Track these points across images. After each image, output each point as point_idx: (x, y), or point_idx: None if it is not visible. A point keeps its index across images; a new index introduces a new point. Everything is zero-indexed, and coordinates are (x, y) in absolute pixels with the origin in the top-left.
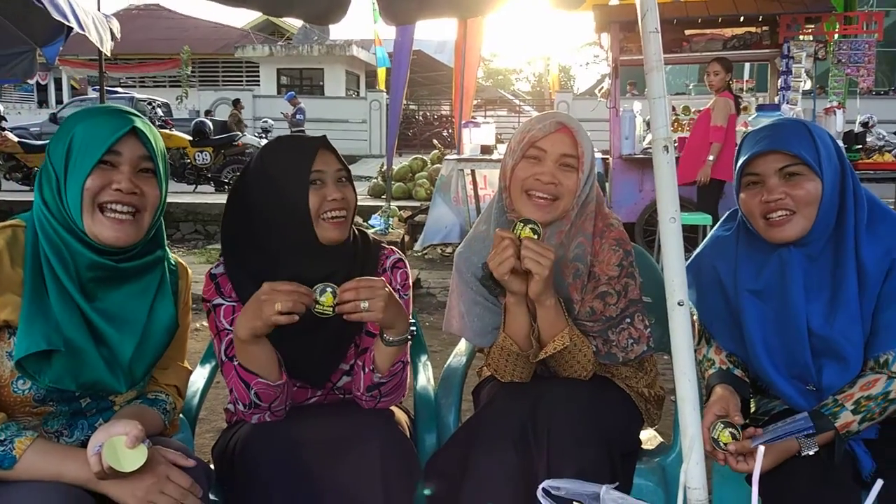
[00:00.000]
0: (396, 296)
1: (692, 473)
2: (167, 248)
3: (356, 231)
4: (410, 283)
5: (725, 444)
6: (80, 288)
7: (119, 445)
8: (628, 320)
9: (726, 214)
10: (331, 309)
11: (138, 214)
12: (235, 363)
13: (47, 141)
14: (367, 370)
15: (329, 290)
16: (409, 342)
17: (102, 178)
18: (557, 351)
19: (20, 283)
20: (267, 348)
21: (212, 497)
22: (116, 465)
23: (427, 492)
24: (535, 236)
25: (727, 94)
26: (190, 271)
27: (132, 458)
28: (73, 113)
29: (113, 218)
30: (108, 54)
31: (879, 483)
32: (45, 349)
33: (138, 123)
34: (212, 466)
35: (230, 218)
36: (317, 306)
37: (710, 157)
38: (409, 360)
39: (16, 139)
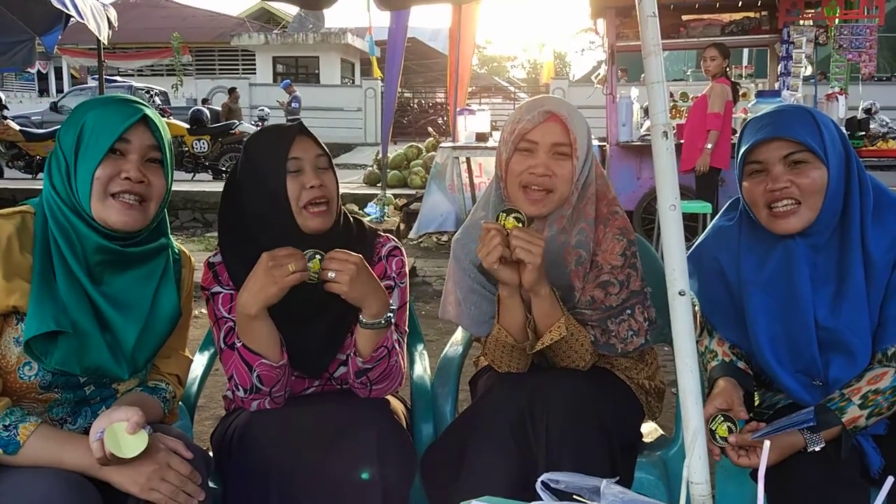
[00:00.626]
0: (391, 282)
1: (695, 468)
2: (171, 236)
3: (351, 219)
4: (406, 272)
5: (722, 438)
6: (88, 271)
7: (120, 431)
8: (629, 312)
9: (728, 203)
10: (317, 275)
11: (145, 204)
12: (239, 344)
13: (49, 129)
14: (352, 355)
15: (318, 256)
16: (388, 328)
17: (112, 167)
18: (554, 342)
19: (29, 269)
20: (270, 326)
21: (211, 485)
22: (117, 451)
23: (424, 482)
24: (520, 225)
25: (724, 80)
26: (193, 260)
27: (133, 444)
28: (84, 101)
29: (122, 202)
30: (106, 42)
31: (891, 480)
32: (53, 330)
33: (148, 112)
34: (210, 454)
35: (223, 208)
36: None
37: (708, 146)
38: (394, 346)
39: (17, 128)
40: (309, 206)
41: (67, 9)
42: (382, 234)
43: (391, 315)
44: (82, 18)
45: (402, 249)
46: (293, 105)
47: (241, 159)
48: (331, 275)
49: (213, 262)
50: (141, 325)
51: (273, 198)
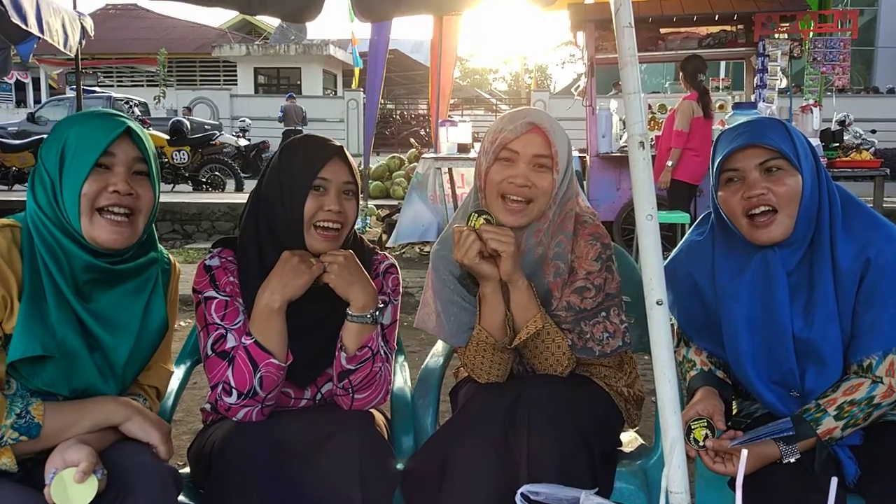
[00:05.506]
0: (386, 298)
1: (674, 477)
2: (160, 247)
3: (352, 235)
4: (401, 290)
5: (695, 441)
6: (76, 289)
7: (68, 480)
8: (604, 314)
9: (699, 218)
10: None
11: (133, 217)
12: (249, 342)
13: (26, 140)
14: (337, 350)
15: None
16: (374, 326)
17: (99, 181)
18: (530, 336)
19: (18, 283)
20: (285, 324)
21: (187, 500)
22: (65, 503)
23: (405, 494)
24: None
25: (692, 95)
26: (179, 269)
27: (81, 493)
28: (64, 119)
29: (110, 220)
30: (71, 54)
31: (835, 481)
32: (40, 354)
33: (132, 125)
34: (185, 470)
35: (247, 212)
36: None
37: (669, 163)
38: (379, 351)
39: None
40: (320, 228)
41: (27, 24)
42: (380, 252)
43: (377, 312)
44: (42, 34)
45: (398, 268)
46: (279, 114)
47: (270, 165)
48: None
49: (211, 266)
50: (132, 342)
51: (289, 209)
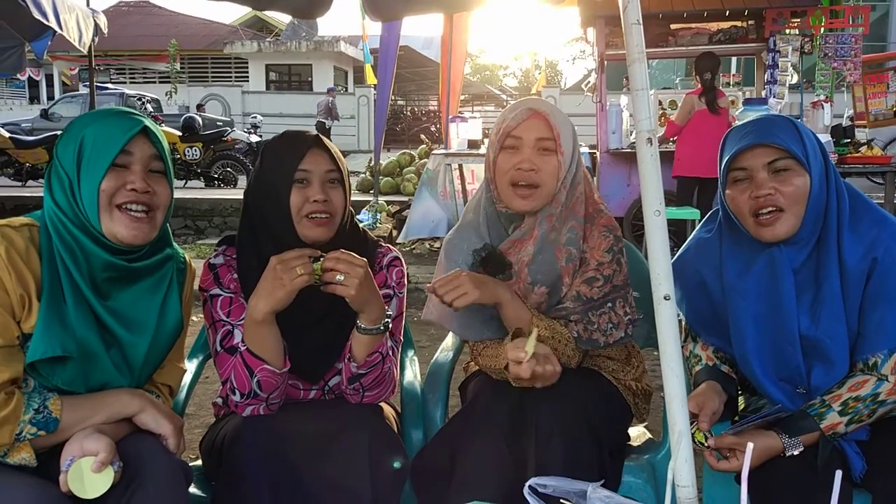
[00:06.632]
0: (390, 291)
1: (681, 470)
2: (176, 246)
3: (354, 228)
4: (405, 282)
5: (699, 442)
6: (94, 288)
7: (86, 469)
8: (610, 305)
9: (708, 215)
10: (318, 277)
11: (152, 213)
12: (243, 349)
13: (39, 137)
14: (346, 360)
15: (322, 258)
16: (384, 334)
17: (117, 179)
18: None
19: (37, 283)
20: (276, 332)
21: (199, 493)
22: (80, 491)
23: (415, 487)
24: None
25: (697, 90)
26: (194, 267)
27: (97, 482)
28: (80, 116)
29: (130, 215)
30: (84, 51)
31: (839, 475)
32: (59, 355)
33: (147, 123)
34: (197, 462)
35: (243, 211)
36: None
37: None
38: (388, 353)
39: (7, 135)
40: (310, 216)
41: (48, 20)
42: (384, 244)
43: (388, 321)
44: (61, 29)
45: (402, 260)
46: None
47: (256, 163)
48: (339, 277)
49: (215, 264)
50: (149, 339)
51: (276, 206)
